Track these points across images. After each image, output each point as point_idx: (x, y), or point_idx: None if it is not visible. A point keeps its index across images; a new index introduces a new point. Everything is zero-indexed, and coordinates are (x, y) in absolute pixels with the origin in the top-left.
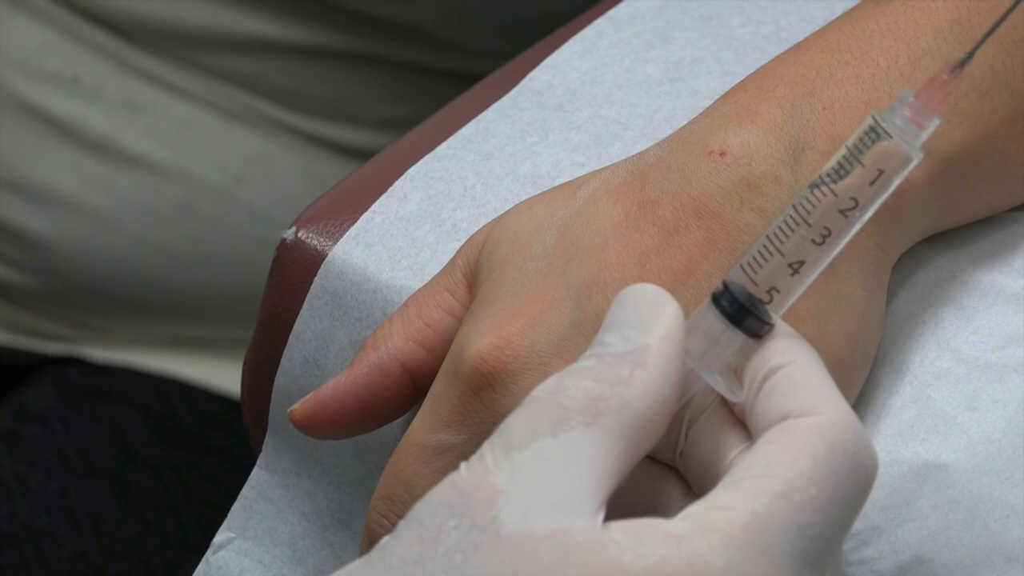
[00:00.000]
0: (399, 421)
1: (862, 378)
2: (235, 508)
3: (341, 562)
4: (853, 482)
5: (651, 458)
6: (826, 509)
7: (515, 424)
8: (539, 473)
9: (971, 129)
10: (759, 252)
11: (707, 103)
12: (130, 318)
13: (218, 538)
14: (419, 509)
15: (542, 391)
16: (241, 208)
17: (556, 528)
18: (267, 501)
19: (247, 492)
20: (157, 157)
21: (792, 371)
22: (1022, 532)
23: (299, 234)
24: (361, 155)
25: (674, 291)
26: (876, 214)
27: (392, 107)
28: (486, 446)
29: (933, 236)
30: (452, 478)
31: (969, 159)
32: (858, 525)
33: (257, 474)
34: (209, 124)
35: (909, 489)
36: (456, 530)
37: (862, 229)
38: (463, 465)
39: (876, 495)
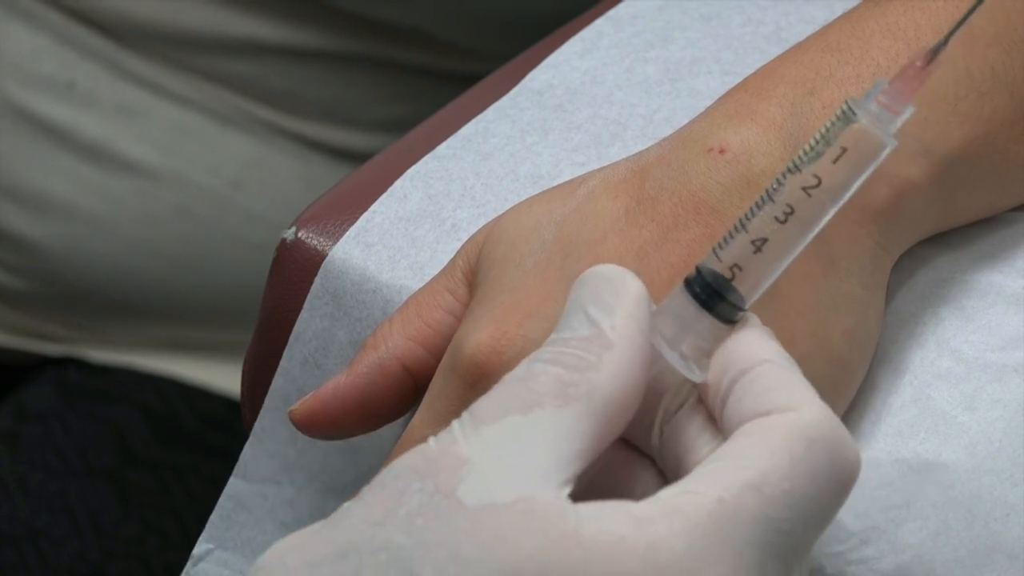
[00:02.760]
0: (397, 422)
1: (860, 376)
2: (212, 519)
3: None
4: (833, 480)
5: (630, 445)
6: (798, 505)
7: (486, 402)
8: (506, 446)
9: (972, 130)
10: (729, 232)
11: (707, 103)
12: (127, 322)
13: (197, 550)
14: (384, 474)
15: (512, 377)
16: (237, 212)
17: (518, 497)
18: (244, 510)
19: (224, 502)
20: (152, 162)
21: (767, 369)
22: (1022, 531)
23: (299, 234)
24: (358, 158)
25: (672, 285)
26: (877, 213)
27: (389, 109)
28: (456, 422)
29: (933, 236)
30: (420, 447)
31: (970, 160)
32: (858, 524)
33: (233, 483)
34: (204, 129)
35: (909, 489)
36: (420, 493)
37: (862, 228)
38: (431, 437)
39: (876, 494)
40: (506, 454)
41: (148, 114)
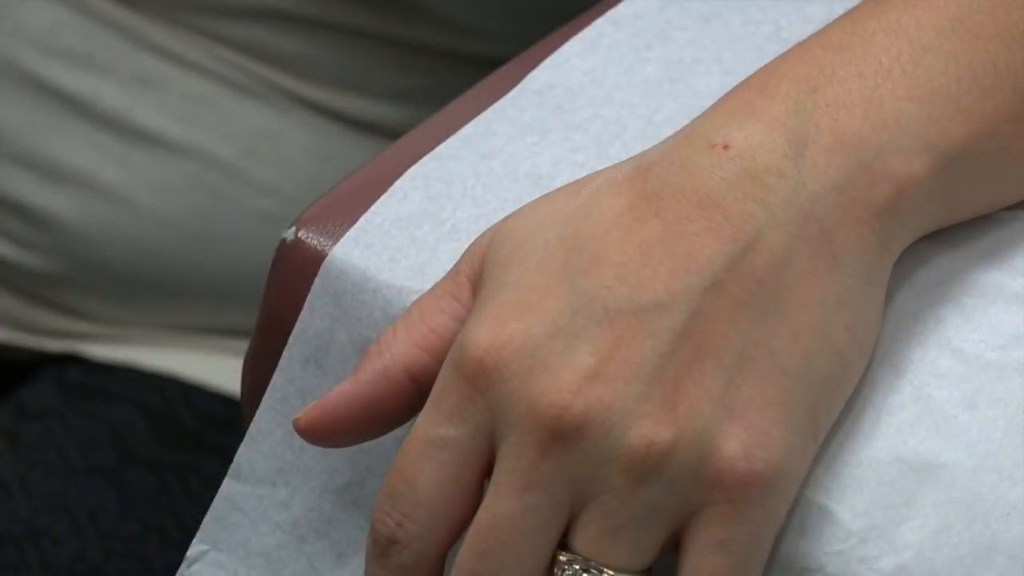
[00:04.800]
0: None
1: (860, 371)
2: (207, 520)
3: (317, 573)
4: None
5: None
6: None
7: None
8: None
9: (974, 126)
10: None
11: (707, 103)
12: (137, 299)
13: (192, 551)
14: None
15: None
16: (249, 183)
17: None
18: (239, 512)
19: (218, 503)
20: (169, 132)
21: None
22: (1023, 531)
23: (299, 234)
24: (372, 129)
25: (675, 278)
26: (879, 209)
27: (405, 79)
28: None
29: (933, 234)
30: None
31: (972, 156)
32: (858, 524)
33: (228, 484)
34: (219, 98)
35: (909, 488)
36: None
37: (865, 224)
38: None
39: (876, 494)
40: None
41: (165, 84)
